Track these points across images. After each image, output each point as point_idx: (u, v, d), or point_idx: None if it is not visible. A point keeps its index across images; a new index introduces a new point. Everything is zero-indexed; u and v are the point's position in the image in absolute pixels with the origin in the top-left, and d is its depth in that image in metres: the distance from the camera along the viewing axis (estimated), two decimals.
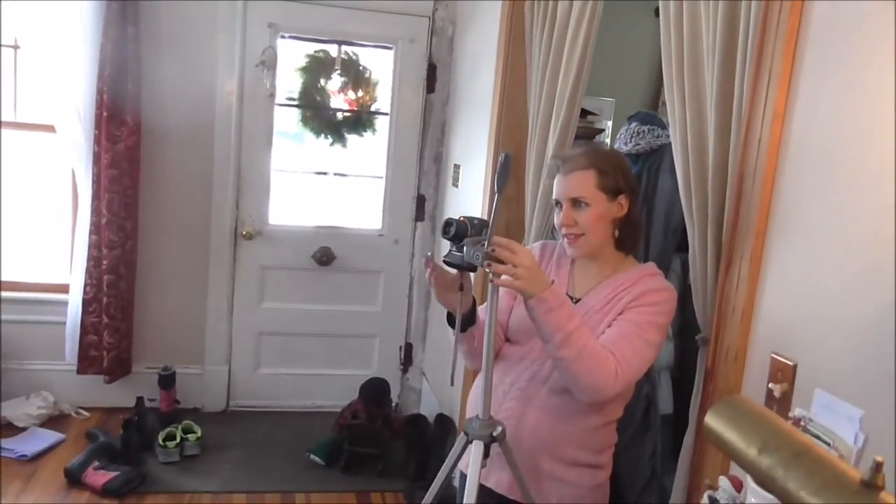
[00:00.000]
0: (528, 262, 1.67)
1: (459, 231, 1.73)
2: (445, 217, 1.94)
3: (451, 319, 1.88)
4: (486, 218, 1.81)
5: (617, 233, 1.92)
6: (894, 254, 1.31)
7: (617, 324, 1.81)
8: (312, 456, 3.81)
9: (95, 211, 3.86)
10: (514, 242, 1.69)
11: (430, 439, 3.77)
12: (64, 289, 4.03)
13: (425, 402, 4.43)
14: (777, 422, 0.72)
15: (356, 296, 4.45)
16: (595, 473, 1.92)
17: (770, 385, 1.54)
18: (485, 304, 1.80)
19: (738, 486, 1.42)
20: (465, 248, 1.72)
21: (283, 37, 4.15)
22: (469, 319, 1.88)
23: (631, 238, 1.96)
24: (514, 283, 1.67)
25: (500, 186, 1.69)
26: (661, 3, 2.04)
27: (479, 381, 1.92)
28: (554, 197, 1.93)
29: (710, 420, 0.76)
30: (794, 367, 1.51)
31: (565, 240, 1.91)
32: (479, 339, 1.87)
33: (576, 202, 1.87)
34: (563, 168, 1.91)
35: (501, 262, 1.66)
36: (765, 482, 0.68)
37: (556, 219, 1.92)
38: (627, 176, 1.92)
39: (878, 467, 0.61)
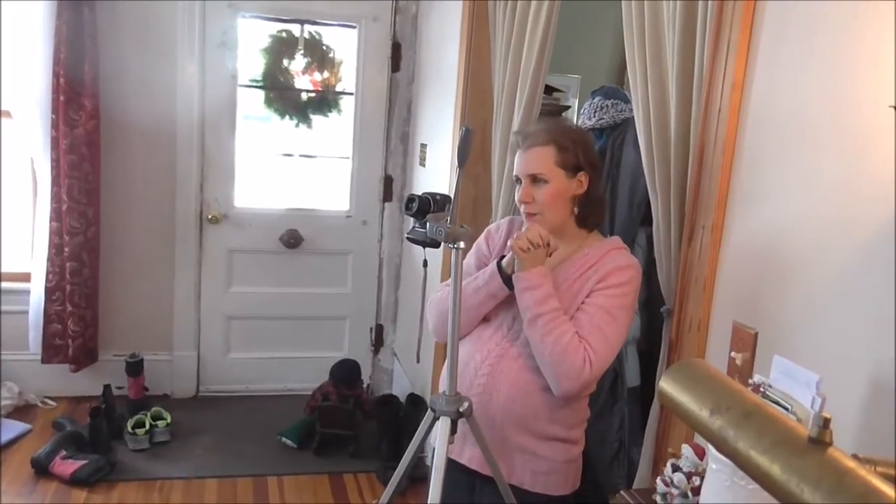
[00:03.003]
0: (534, 237, 1.76)
1: (422, 206, 1.72)
2: None
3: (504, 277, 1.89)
4: (449, 194, 1.81)
5: (577, 210, 1.91)
6: (853, 220, 1.32)
7: (587, 310, 1.82)
8: (284, 439, 3.80)
9: (55, 197, 3.78)
10: (540, 228, 1.78)
11: (402, 419, 3.76)
12: (25, 277, 3.95)
13: (397, 383, 4.43)
14: (729, 383, 0.72)
15: (325, 278, 4.43)
16: (568, 448, 1.93)
17: (732, 353, 1.55)
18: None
19: (701, 453, 1.44)
20: (427, 224, 1.71)
21: (244, 16, 4.08)
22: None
23: (593, 215, 1.96)
24: (513, 249, 1.78)
25: (462, 161, 1.68)
26: None
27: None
28: (514, 173, 1.93)
29: (665, 384, 0.76)
30: (755, 335, 1.53)
31: (525, 217, 1.91)
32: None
33: (535, 178, 1.87)
34: (524, 144, 1.90)
35: (459, 238, 1.71)
36: (717, 443, 0.68)
37: (516, 195, 1.92)
38: (588, 153, 1.91)
39: (825, 423, 0.61)
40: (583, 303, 1.83)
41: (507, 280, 1.86)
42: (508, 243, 1.82)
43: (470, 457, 1.94)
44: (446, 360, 2.00)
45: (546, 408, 1.86)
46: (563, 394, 1.82)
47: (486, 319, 1.98)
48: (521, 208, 1.90)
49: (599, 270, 1.85)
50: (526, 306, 1.79)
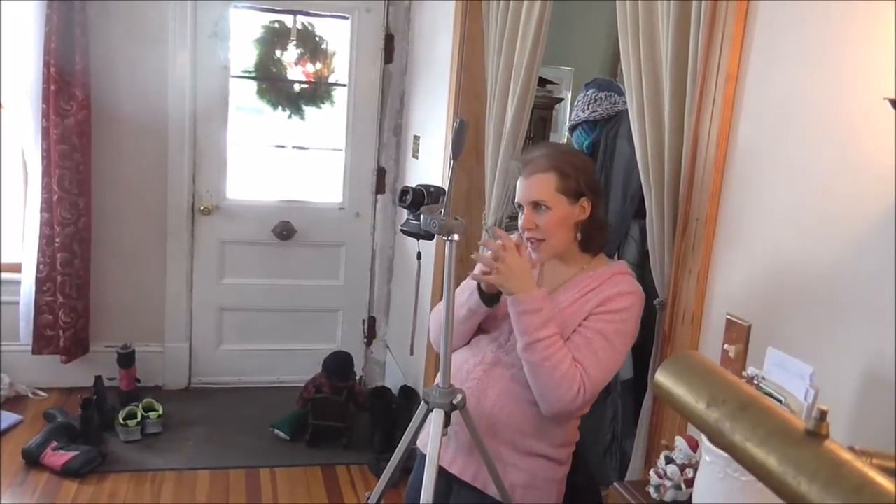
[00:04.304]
0: (512, 259, 1.73)
1: (416, 199, 1.72)
2: None
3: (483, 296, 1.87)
4: (443, 186, 1.80)
5: (580, 236, 1.89)
6: (847, 212, 1.32)
7: (584, 333, 1.80)
8: (277, 431, 3.79)
9: (46, 188, 3.76)
10: (510, 240, 1.75)
11: (394, 411, 3.77)
12: (16, 268, 3.93)
13: (389, 375, 4.43)
14: (725, 376, 0.72)
15: (318, 270, 4.42)
16: (553, 468, 1.90)
17: (725, 346, 1.56)
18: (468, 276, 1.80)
19: (694, 445, 1.44)
20: (421, 216, 1.71)
21: (236, 7, 4.05)
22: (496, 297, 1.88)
23: (597, 240, 1.93)
24: (490, 277, 1.76)
25: (456, 152, 1.68)
26: None
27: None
28: (516, 200, 1.91)
29: (661, 376, 0.76)
30: (749, 327, 1.53)
31: (528, 244, 1.89)
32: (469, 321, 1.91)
33: (537, 205, 1.84)
34: (525, 171, 1.88)
35: (453, 230, 1.70)
36: (713, 436, 0.68)
37: (520, 221, 1.91)
38: (589, 178, 1.90)
39: (822, 416, 0.62)
40: (580, 325, 1.81)
41: (489, 299, 1.85)
42: (473, 255, 1.82)
43: (451, 460, 1.92)
44: (441, 355, 2.00)
45: (533, 422, 1.84)
46: (553, 415, 1.80)
47: (484, 330, 1.96)
48: (525, 235, 1.88)
49: (600, 294, 1.83)
50: (523, 330, 1.74)
